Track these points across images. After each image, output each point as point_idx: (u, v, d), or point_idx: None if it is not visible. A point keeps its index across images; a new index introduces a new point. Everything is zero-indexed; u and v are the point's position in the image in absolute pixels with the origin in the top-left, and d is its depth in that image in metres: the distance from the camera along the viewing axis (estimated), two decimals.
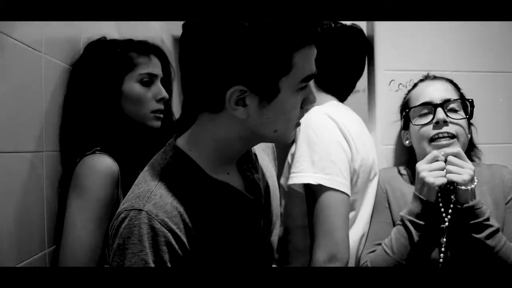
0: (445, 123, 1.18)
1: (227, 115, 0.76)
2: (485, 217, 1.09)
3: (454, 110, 1.21)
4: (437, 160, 1.13)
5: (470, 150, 1.29)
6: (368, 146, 1.31)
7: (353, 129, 1.26)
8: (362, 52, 1.41)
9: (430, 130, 1.20)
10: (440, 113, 1.18)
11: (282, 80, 0.73)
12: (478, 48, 1.44)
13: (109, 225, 0.83)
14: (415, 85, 1.32)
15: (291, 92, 0.75)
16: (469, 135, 1.26)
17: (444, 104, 1.20)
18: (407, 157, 1.37)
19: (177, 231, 0.73)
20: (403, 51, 1.42)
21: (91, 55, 1.18)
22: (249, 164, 0.89)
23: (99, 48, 1.19)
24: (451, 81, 1.29)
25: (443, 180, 1.09)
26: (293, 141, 1.41)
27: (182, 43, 0.74)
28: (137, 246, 0.70)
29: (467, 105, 1.25)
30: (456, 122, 1.19)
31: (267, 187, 0.93)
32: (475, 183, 1.10)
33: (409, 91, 1.34)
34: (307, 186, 1.21)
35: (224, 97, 0.72)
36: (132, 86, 1.18)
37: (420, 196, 1.11)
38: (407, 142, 1.31)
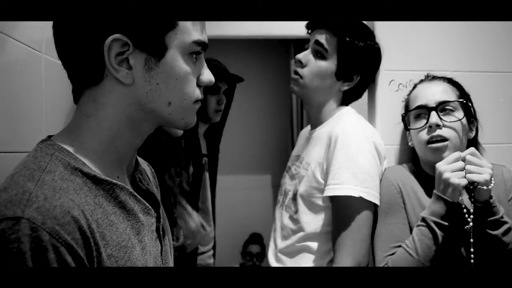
0: (438, 126, 1.19)
1: (110, 86, 0.66)
2: (501, 214, 1.10)
3: (450, 112, 1.21)
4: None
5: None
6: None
7: (379, 140, 1.31)
8: None
9: (425, 134, 1.21)
10: (433, 117, 1.19)
11: (168, 35, 0.66)
12: (478, 48, 1.45)
13: None
14: (414, 87, 1.33)
15: (181, 54, 0.68)
16: (471, 134, 1.26)
17: (438, 107, 1.20)
18: (411, 156, 1.38)
19: (72, 243, 0.56)
20: (403, 51, 1.42)
21: None
22: (139, 174, 0.79)
23: None
24: (450, 80, 1.28)
25: (466, 181, 1.09)
26: (295, 145, 1.42)
27: None
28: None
29: (467, 104, 1.25)
30: (449, 125, 1.19)
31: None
32: (493, 182, 1.10)
33: (410, 92, 1.34)
34: (334, 195, 1.25)
35: (102, 51, 0.63)
36: None
37: (445, 197, 1.10)
38: (410, 143, 1.32)
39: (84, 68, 0.66)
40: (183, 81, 0.69)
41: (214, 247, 2.08)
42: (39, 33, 1.05)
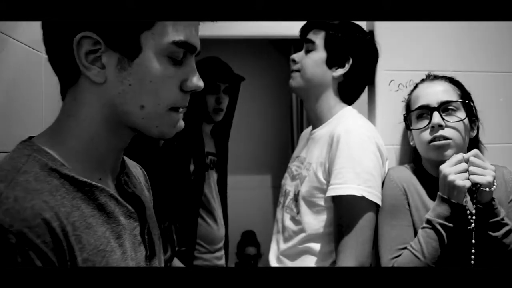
0: (441, 126, 1.19)
1: (85, 85, 0.65)
2: (502, 216, 1.10)
3: (452, 112, 1.21)
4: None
5: (476, 148, 1.29)
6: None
7: (381, 141, 1.31)
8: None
9: (427, 134, 1.21)
10: (436, 117, 1.19)
11: (144, 35, 0.63)
12: (478, 48, 1.45)
13: None
14: (415, 86, 1.32)
15: (157, 56, 0.64)
16: (472, 133, 1.26)
17: (441, 107, 1.20)
18: (412, 156, 1.38)
19: (42, 246, 0.54)
20: (403, 51, 1.42)
21: None
22: (125, 176, 0.76)
23: None
24: (451, 80, 1.28)
25: (470, 183, 1.09)
26: (295, 146, 1.40)
27: None
28: None
29: (469, 104, 1.25)
30: (452, 125, 1.19)
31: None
32: (496, 184, 1.10)
33: (411, 92, 1.33)
34: (337, 195, 1.24)
35: (72, 48, 0.62)
36: None
37: (451, 200, 1.10)
38: (412, 143, 1.32)
39: (61, 66, 0.66)
40: (158, 84, 0.65)
41: (226, 248, 2.02)
42: (39, 33, 1.05)
